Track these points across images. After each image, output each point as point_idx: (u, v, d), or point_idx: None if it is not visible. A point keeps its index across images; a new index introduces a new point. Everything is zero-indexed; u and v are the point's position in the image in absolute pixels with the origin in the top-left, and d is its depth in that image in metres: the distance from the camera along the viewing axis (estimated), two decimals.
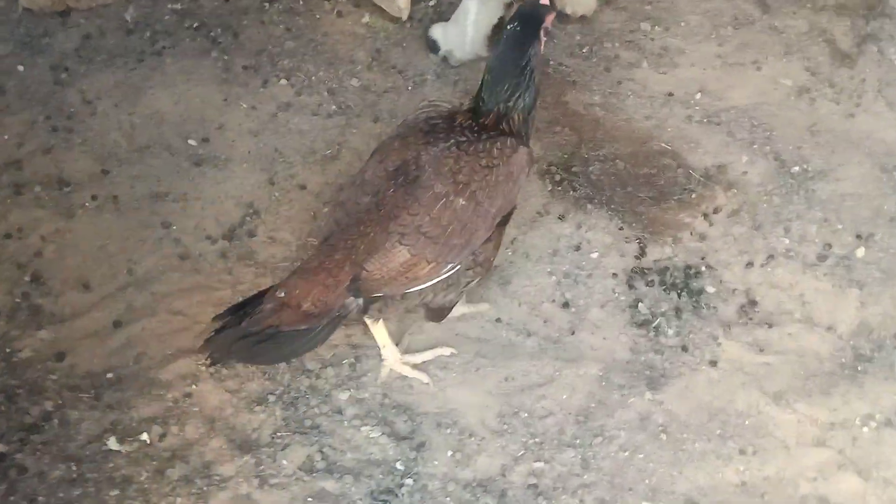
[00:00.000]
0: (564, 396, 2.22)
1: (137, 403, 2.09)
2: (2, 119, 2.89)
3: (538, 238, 2.69)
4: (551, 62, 3.42)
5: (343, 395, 2.17)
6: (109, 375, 2.16)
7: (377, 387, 2.19)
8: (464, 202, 1.99)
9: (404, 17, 3.41)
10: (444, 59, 3.33)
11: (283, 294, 1.97)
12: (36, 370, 2.14)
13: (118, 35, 3.32)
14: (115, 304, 2.35)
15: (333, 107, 3.14)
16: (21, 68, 3.12)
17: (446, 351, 2.23)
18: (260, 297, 2.01)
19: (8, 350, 2.17)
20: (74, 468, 1.94)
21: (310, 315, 1.95)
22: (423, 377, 2.18)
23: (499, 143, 2.07)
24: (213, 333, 1.98)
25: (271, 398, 2.15)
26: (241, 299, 2.07)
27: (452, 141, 2.05)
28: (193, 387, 2.15)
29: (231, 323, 1.97)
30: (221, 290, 2.42)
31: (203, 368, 2.20)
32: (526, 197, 2.83)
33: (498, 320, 2.41)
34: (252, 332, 1.94)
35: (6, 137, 2.83)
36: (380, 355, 2.26)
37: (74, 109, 2.96)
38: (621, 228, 2.73)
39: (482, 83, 2.17)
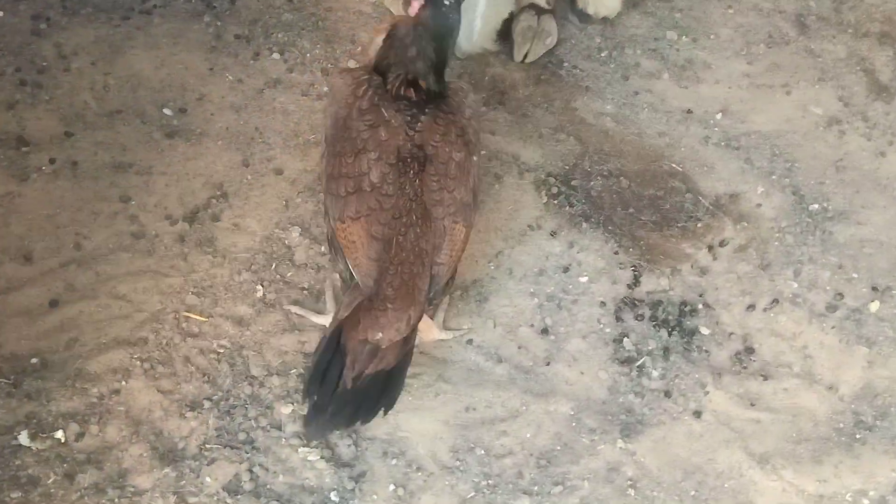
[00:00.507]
0: (528, 435, 2.02)
1: (59, 396, 1.91)
2: None
3: (525, 254, 2.48)
4: (565, 64, 3.19)
5: (286, 409, 1.98)
6: (34, 360, 1.98)
7: None
8: (475, 158, 2.02)
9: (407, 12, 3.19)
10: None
11: (379, 335, 1.78)
12: None
13: None
14: (55, 282, 2.16)
15: (325, 88, 2.92)
16: (1, 14, 2.93)
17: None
18: (330, 352, 1.79)
19: None
20: None
21: (410, 338, 1.83)
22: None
23: (458, 94, 2.08)
24: (308, 412, 1.80)
25: (207, 404, 1.96)
26: (310, 370, 1.83)
27: (428, 109, 1.96)
28: (123, 383, 1.97)
29: (326, 391, 1.76)
30: (172, 278, 2.23)
31: (138, 364, 2.01)
32: (517, 208, 2.63)
33: (469, 341, 2.21)
34: (362, 386, 1.76)
35: None
36: None
37: (47, 64, 2.77)
38: (616, 253, 2.52)
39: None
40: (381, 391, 1.79)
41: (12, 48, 2.80)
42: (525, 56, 3.07)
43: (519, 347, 2.22)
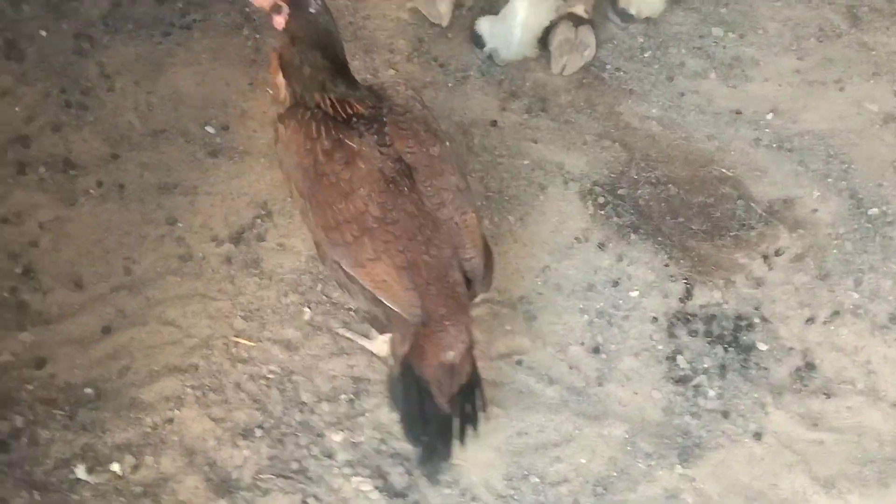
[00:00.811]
0: (583, 461, 1.98)
1: (113, 427, 1.93)
2: (16, 88, 2.73)
3: (573, 269, 2.43)
4: (608, 66, 3.11)
5: (337, 437, 1.97)
6: (88, 390, 1.99)
7: (375, 430, 1.98)
8: (447, 143, 1.94)
9: (445, 23, 3.12)
10: (490, 56, 3.05)
11: (451, 354, 1.77)
12: (12, 378, 1.99)
13: (149, 3, 3.12)
14: (106, 308, 2.18)
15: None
16: (44, 33, 2.95)
17: None
18: (413, 391, 1.79)
19: None
20: (38, 498, 1.79)
21: (471, 341, 1.84)
22: None
23: (396, 88, 1.96)
24: (423, 455, 1.83)
25: (259, 432, 1.96)
26: (407, 417, 1.83)
27: (384, 118, 1.84)
28: (176, 412, 1.97)
29: (431, 429, 1.79)
30: (220, 301, 2.23)
31: (190, 391, 2.02)
32: (563, 219, 2.58)
33: (518, 362, 2.17)
34: (457, 406, 1.80)
35: (17, 109, 2.67)
36: (381, 391, 2.06)
37: (91, 83, 2.78)
38: (667, 265, 2.45)
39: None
40: (472, 399, 1.82)
41: (56, 68, 2.82)
42: (563, 68, 3.00)
43: (570, 367, 2.18)
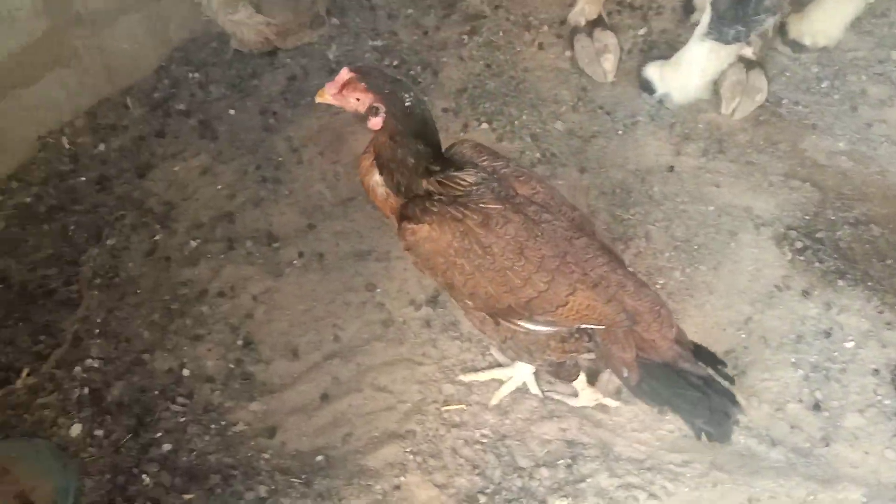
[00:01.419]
0: None
1: (348, 494, 2.01)
2: (216, 167, 2.94)
3: (777, 319, 2.35)
4: (784, 101, 3.01)
5: (561, 503, 1.96)
6: (319, 458, 2.10)
7: (597, 496, 1.97)
8: None
9: (610, 79, 3.12)
10: (661, 101, 3.02)
11: (674, 330, 1.84)
12: (249, 447, 2.12)
13: (321, 75, 3.31)
14: (322, 376, 2.29)
15: (537, 154, 2.93)
16: (232, 112, 3.17)
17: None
18: (673, 377, 1.84)
19: (223, 423, 2.17)
20: None
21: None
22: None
23: (478, 148, 1.95)
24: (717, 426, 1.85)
25: (482, 498, 1.99)
26: (688, 405, 1.84)
27: (494, 182, 1.84)
28: (402, 478, 2.04)
29: (711, 402, 1.83)
30: (426, 366, 2.30)
31: (411, 457, 2.08)
32: (759, 267, 2.49)
33: (735, 422, 2.10)
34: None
35: (219, 188, 2.87)
36: (597, 456, 2.05)
37: (282, 158, 2.96)
38: (881, 311, 2.32)
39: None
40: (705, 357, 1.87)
41: (248, 145, 3.03)
42: (734, 112, 2.93)
43: (791, 427, 2.09)
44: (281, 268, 2.61)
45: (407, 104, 1.76)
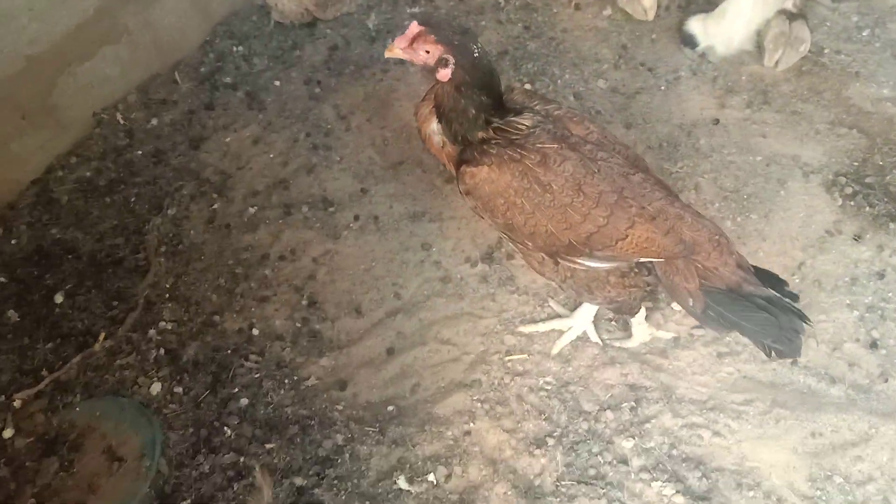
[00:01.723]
0: (885, 459, 1.94)
1: (420, 441, 2.10)
2: (267, 136, 3.01)
3: (830, 263, 2.38)
4: (826, 50, 3.01)
5: (627, 444, 2.04)
6: (390, 408, 2.18)
7: (662, 436, 2.03)
8: None
9: (650, 17, 3.15)
10: (703, 55, 3.04)
11: (735, 254, 1.89)
12: (322, 400, 2.21)
13: (362, 44, 3.36)
14: (387, 332, 2.37)
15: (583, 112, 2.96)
16: (277, 83, 3.23)
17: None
18: (740, 301, 1.88)
19: (296, 378, 2.26)
20: None
21: None
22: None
23: (531, 93, 2.02)
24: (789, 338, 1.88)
25: (550, 441, 2.07)
26: (758, 325, 1.87)
27: (550, 123, 1.90)
28: (471, 424, 2.12)
29: (778, 321, 1.86)
30: (487, 319, 2.37)
31: (478, 405, 2.16)
32: (810, 213, 2.52)
33: (793, 363, 2.15)
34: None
35: (272, 156, 2.94)
36: (660, 398, 2.11)
37: (331, 126, 3.02)
38: None
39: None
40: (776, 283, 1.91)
41: (297, 114, 3.09)
42: (777, 63, 2.94)
43: (849, 365, 2.14)
44: (338, 231, 2.68)
45: (475, 55, 1.81)
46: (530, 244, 1.91)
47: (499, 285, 2.46)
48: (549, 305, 2.37)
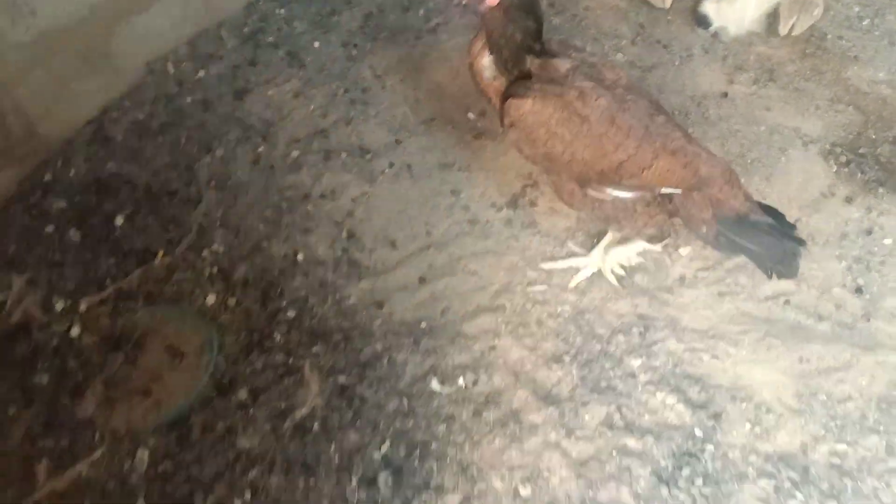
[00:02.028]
0: (864, 382, 2.18)
1: (450, 351, 2.33)
2: (307, 91, 3.25)
3: (823, 222, 2.63)
4: (828, 35, 3.27)
5: (635, 362, 2.28)
6: (423, 325, 2.41)
7: (667, 356, 2.28)
8: None
9: (667, 6, 3.40)
10: (715, 35, 3.29)
11: (743, 189, 2.14)
12: (362, 315, 2.44)
13: (396, 12, 3.60)
14: (419, 263, 2.60)
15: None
16: (317, 45, 3.47)
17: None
18: (751, 227, 2.14)
19: (338, 296, 2.49)
20: (406, 403, 2.21)
21: None
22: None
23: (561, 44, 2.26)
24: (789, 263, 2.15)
25: (566, 358, 2.30)
26: (766, 247, 2.15)
27: (582, 66, 2.15)
28: (496, 341, 2.35)
29: (784, 244, 2.14)
30: (510, 256, 2.60)
31: (503, 325, 2.40)
32: (808, 178, 2.77)
33: (786, 301, 2.40)
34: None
35: (312, 108, 3.18)
36: (666, 326, 2.36)
37: (367, 84, 3.26)
38: None
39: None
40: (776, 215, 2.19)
41: (335, 73, 3.33)
42: (791, 29, 3.19)
43: (836, 307, 2.38)
44: (374, 175, 2.91)
45: None
46: (565, 174, 2.15)
47: (522, 228, 2.70)
48: (568, 246, 2.61)
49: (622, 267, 2.49)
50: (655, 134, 2.06)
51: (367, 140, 3.05)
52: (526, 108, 2.08)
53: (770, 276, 2.14)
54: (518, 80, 2.13)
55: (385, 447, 2.09)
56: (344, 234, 2.72)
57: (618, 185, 2.12)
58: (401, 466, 2.06)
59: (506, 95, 2.14)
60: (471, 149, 3.01)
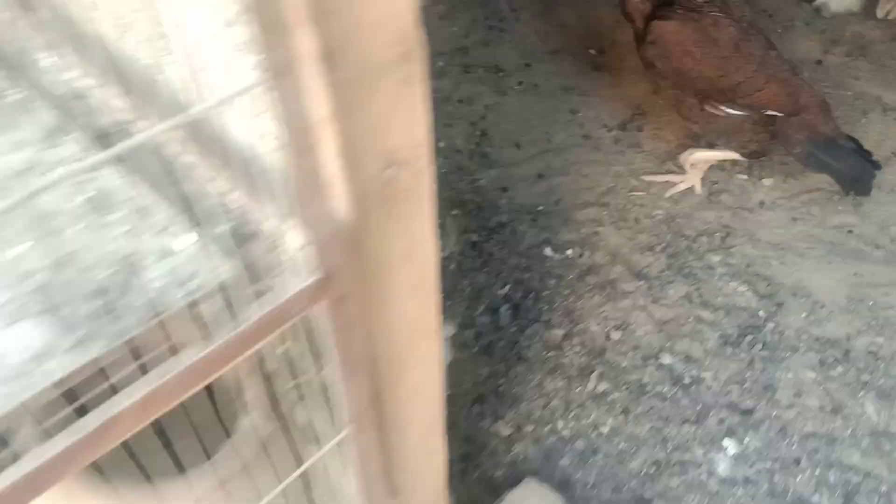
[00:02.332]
0: None
1: (561, 230, 2.84)
2: (452, 15, 3.76)
3: (890, 174, 3.04)
4: None
5: (715, 258, 2.75)
6: (540, 208, 2.92)
7: (742, 257, 2.75)
8: None
9: None
10: (818, 10, 3.68)
11: (834, 118, 2.72)
12: (490, 195, 2.96)
13: None
14: (538, 162, 3.11)
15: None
16: None
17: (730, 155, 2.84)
18: (832, 151, 2.65)
19: (471, 178, 3.02)
20: (524, 261, 2.73)
21: None
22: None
23: None
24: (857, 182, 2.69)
25: (657, 248, 2.79)
26: (847, 167, 2.69)
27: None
28: (600, 228, 2.85)
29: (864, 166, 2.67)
30: (617, 167, 3.09)
31: (606, 217, 2.89)
32: (882, 138, 3.18)
33: (849, 231, 2.84)
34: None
35: (455, 29, 3.69)
36: (744, 235, 2.82)
37: (503, 15, 3.76)
38: None
39: None
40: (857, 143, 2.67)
41: (477, 3, 3.83)
42: (888, 13, 3.56)
43: (891, 240, 2.81)
44: (505, 89, 3.42)
45: None
46: (690, 90, 2.62)
47: (628, 147, 3.18)
48: (667, 164, 3.08)
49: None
50: (769, 64, 2.52)
51: (500, 60, 3.56)
52: (669, 28, 2.56)
53: (847, 193, 2.60)
54: (662, 6, 2.60)
55: (507, 288, 2.62)
56: (477, 133, 3.23)
57: (732, 103, 2.58)
58: (518, 304, 2.58)
59: (651, 17, 2.61)
60: (590, 78, 3.49)
